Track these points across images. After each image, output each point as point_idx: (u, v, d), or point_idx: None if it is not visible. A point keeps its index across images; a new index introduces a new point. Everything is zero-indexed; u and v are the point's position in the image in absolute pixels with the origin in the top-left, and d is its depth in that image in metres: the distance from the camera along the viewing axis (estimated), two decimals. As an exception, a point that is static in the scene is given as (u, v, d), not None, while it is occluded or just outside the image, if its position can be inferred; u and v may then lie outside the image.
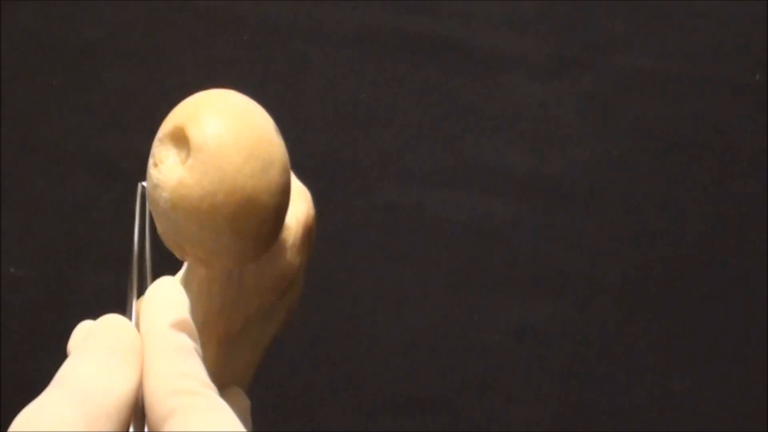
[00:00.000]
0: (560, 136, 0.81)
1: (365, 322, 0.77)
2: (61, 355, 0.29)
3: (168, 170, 0.32)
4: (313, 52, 0.81)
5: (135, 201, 0.34)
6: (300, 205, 0.38)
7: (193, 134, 0.31)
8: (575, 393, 0.77)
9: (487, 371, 0.77)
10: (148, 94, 0.80)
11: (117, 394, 0.27)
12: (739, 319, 0.78)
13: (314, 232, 0.39)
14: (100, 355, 0.28)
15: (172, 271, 0.35)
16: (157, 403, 0.27)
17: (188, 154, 0.32)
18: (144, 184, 0.33)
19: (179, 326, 0.29)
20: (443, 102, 0.81)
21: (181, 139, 0.32)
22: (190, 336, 0.29)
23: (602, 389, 0.77)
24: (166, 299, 0.30)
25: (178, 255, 0.33)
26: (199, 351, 0.29)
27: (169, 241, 0.33)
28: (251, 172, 0.31)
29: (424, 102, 0.81)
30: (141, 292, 0.32)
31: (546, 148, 0.80)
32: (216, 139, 0.31)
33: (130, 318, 0.31)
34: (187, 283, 0.36)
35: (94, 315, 0.30)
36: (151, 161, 0.33)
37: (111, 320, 0.29)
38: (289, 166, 0.33)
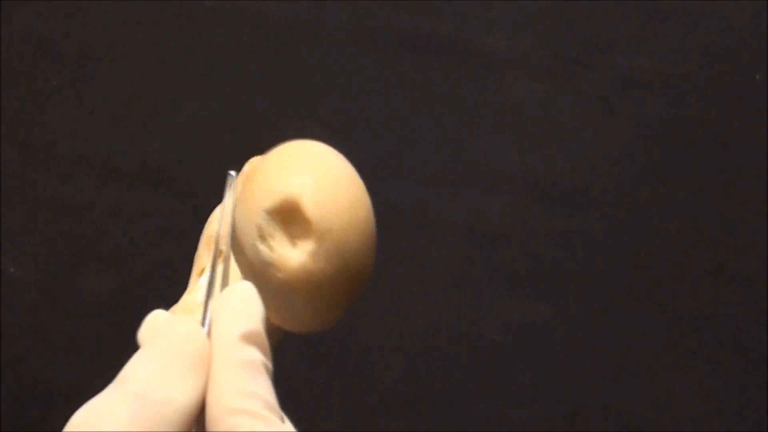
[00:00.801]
0: (560, 136, 0.81)
1: (365, 321, 0.77)
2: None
3: (283, 250, 0.31)
4: (313, 52, 0.81)
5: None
6: None
7: (314, 216, 0.31)
8: (575, 393, 0.77)
9: (487, 371, 0.77)
10: (148, 94, 0.80)
11: (178, 406, 0.26)
12: (739, 319, 0.78)
13: None
14: (167, 360, 0.27)
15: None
16: (216, 420, 0.26)
17: (306, 235, 0.31)
18: (233, 173, 0.32)
19: (250, 338, 0.27)
20: (443, 102, 0.81)
21: (293, 214, 0.31)
22: (261, 349, 0.27)
23: (602, 389, 0.77)
24: (239, 307, 0.28)
25: (270, 319, 0.32)
26: (269, 366, 0.28)
27: (267, 306, 0.32)
28: (365, 253, 0.32)
29: (424, 102, 0.81)
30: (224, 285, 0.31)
31: (546, 148, 0.80)
32: (339, 226, 0.31)
33: (204, 320, 0.29)
34: None
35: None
36: (255, 232, 0.31)
37: (183, 324, 0.28)
38: None
